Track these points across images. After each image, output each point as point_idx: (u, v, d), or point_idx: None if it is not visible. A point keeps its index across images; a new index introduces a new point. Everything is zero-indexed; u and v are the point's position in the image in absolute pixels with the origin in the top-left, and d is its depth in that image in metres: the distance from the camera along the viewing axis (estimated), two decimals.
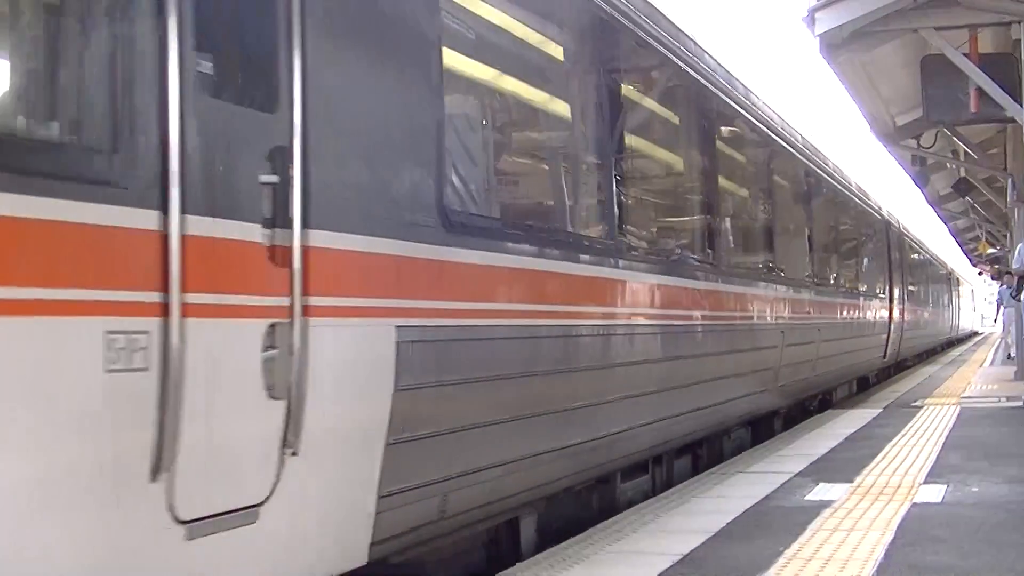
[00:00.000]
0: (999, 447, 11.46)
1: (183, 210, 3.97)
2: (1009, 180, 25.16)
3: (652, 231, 9.48)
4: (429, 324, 5.49)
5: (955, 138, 25.17)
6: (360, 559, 5.15)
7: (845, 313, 18.08)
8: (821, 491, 8.86)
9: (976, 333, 71.65)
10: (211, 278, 4.13)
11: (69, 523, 3.62)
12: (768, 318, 12.50)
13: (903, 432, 12.81)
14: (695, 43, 10.43)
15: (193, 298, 4.01)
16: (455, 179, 5.97)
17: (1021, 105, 15.28)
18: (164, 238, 3.92)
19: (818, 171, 17.29)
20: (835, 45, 15.33)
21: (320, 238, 4.66)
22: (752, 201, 13.23)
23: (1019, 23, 15.45)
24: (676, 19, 9.49)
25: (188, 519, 4.08)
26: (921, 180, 28.10)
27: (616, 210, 8.04)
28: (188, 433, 4.02)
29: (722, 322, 10.66)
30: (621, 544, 7.10)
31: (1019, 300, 19.53)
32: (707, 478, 9.77)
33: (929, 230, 44.41)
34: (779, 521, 7.64)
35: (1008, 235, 31.18)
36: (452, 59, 5.93)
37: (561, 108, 7.64)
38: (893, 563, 6.32)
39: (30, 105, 3.67)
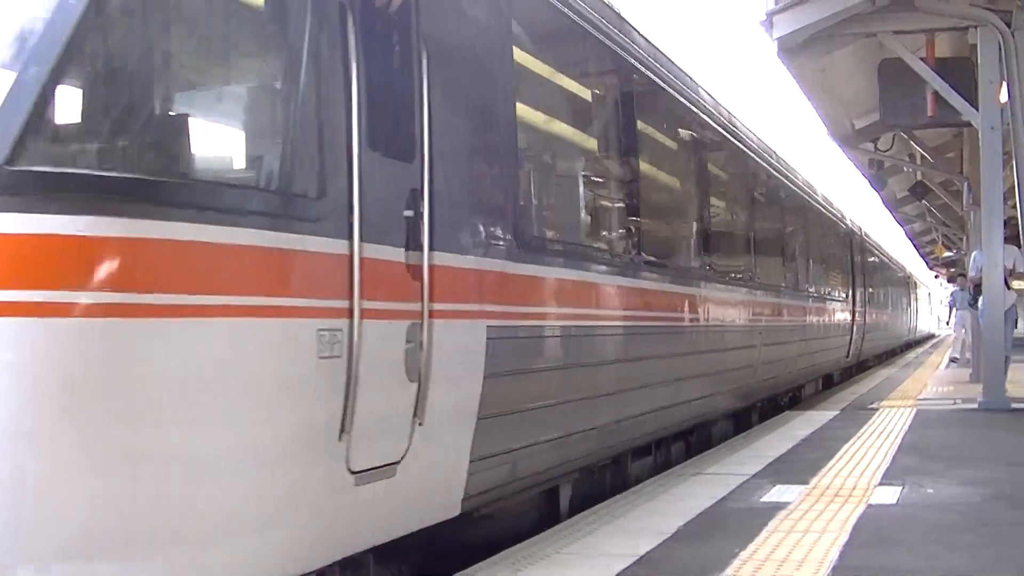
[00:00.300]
0: (954, 449, 11.56)
1: (361, 239, 5.28)
2: (965, 184, 25.37)
3: (663, 248, 11.10)
4: (507, 324, 6.91)
5: (912, 142, 25.38)
6: (455, 511, 6.50)
7: (814, 317, 19.74)
8: (777, 492, 8.90)
9: (933, 335, 72.15)
10: (376, 289, 5.43)
11: (291, 467, 4.94)
12: (749, 321, 14.19)
13: (859, 434, 12.90)
14: (713, 98, 13.11)
15: (366, 304, 5.31)
16: (524, 211, 7.54)
17: (977, 109, 15.43)
18: (349, 260, 5.22)
19: (793, 188, 19.22)
20: (793, 49, 15.44)
21: (440, 258, 6.02)
22: (741, 218, 15.06)
23: (976, 28, 15.60)
24: (685, 67, 11.43)
25: (355, 471, 5.35)
26: (878, 183, 28.33)
27: (637, 233, 10.02)
28: (361, 406, 5.27)
29: (714, 324, 12.27)
30: (581, 544, 7.13)
31: (976, 307, 19.65)
32: (666, 479, 9.80)
33: (887, 234, 44.86)
34: (735, 522, 7.68)
35: (964, 238, 31.44)
36: (523, 124, 7.60)
37: (597, 155, 9.63)
38: (847, 564, 6.37)
39: (270, 167, 5.00)
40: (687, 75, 12.09)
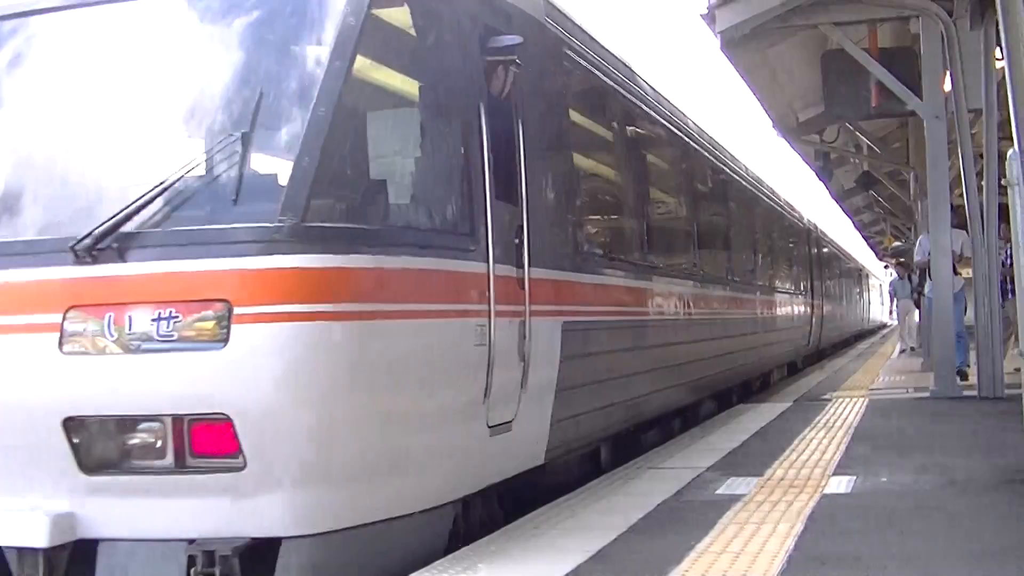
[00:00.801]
0: (906, 437, 11.67)
1: (493, 262, 7.37)
2: (911, 174, 25.55)
3: (678, 255, 14.04)
4: (574, 319, 9.00)
5: (858, 133, 25.59)
6: (540, 460, 8.51)
7: (779, 309, 22.18)
8: (732, 485, 8.96)
9: (885, 325, 72.72)
10: (502, 297, 7.47)
11: (460, 421, 7.10)
12: (731, 312, 16.82)
13: (812, 425, 12.98)
14: (697, 124, 15.74)
15: (498, 308, 7.38)
16: (582, 237, 9.66)
17: (921, 99, 15.55)
18: (488, 277, 7.31)
19: (763, 197, 21.96)
20: (736, 42, 15.51)
21: (534, 272, 8.04)
22: (728, 230, 17.83)
23: (918, 17, 15.73)
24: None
25: (490, 425, 7.41)
26: (825, 174, 28.45)
27: (659, 243, 12.84)
28: (495, 379, 7.32)
29: (705, 316, 14.73)
30: (539, 540, 7.16)
31: (923, 294, 19.79)
32: (623, 473, 9.85)
33: (839, 228, 45.33)
34: (690, 516, 7.73)
35: (912, 228, 31.66)
36: (579, 172, 9.99)
37: (624, 191, 11.93)
38: (803, 554, 6.42)
39: (447, 216, 7.11)
40: (681, 111, 14.78)
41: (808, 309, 27.01)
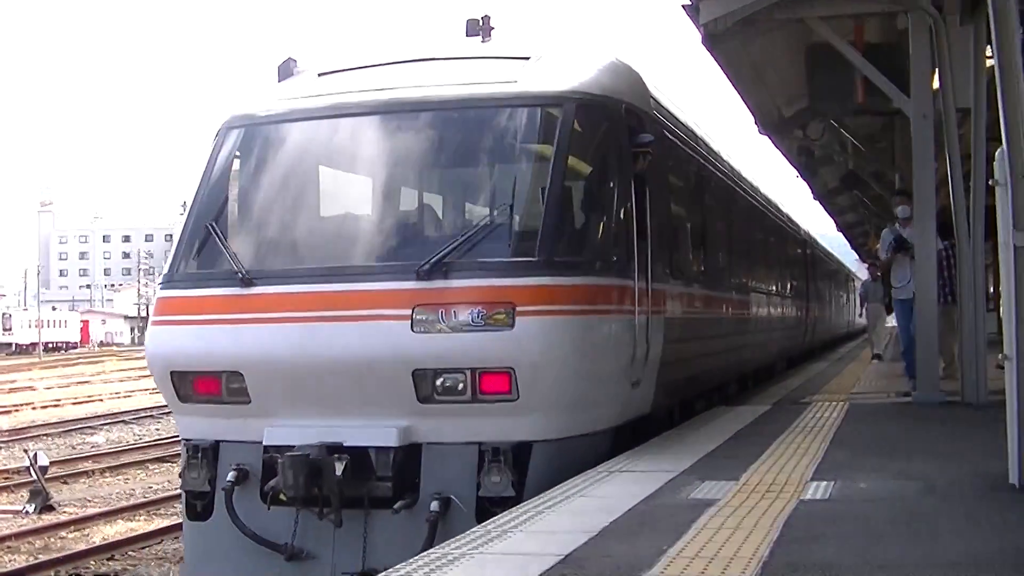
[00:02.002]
0: (887, 442, 11.72)
1: (636, 279, 11.22)
2: (897, 174, 25.57)
3: (732, 271, 18.93)
4: (671, 316, 12.65)
5: (843, 131, 25.62)
6: (647, 410, 12.24)
7: (785, 311, 26.86)
8: (706, 489, 8.96)
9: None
10: (641, 301, 11.28)
11: (621, 379, 11.09)
12: (761, 312, 21.89)
13: (791, 429, 12.98)
14: (753, 182, 22.50)
15: (639, 309, 11.22)
16: (676, 258, 13.49)
17: (908, 96, 15.55)
18: (634, 288, 11.16)
19: (777, 220, 26.66)
20: (719, 36, 15.50)
21: (652, 285, 11.72)
22: (763, 251, 23.73)
23: (906, 13, 15.72)
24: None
25: (631, 382, 11.49)
26: (808, 172, 28.58)
27: (729, 265, 18.40)
28: (637, 352, 11.14)
29: (746, 315, 19.72)
30: (505, 544, 7.15)
31: (887, 301, 19.81)
32: (594, 475, 9.84)
33: (824, 232, 45.76)
34: (663, 520, 7.71)
35: None
36: (673, 215, 13.80)
37: (701, 225, 16.28)
38: (778, 561, 6.41)
39: (615, 250, 11.06)
40: (732, 162, 19.78)
41: (804, 312, 31.15)
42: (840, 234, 54.40)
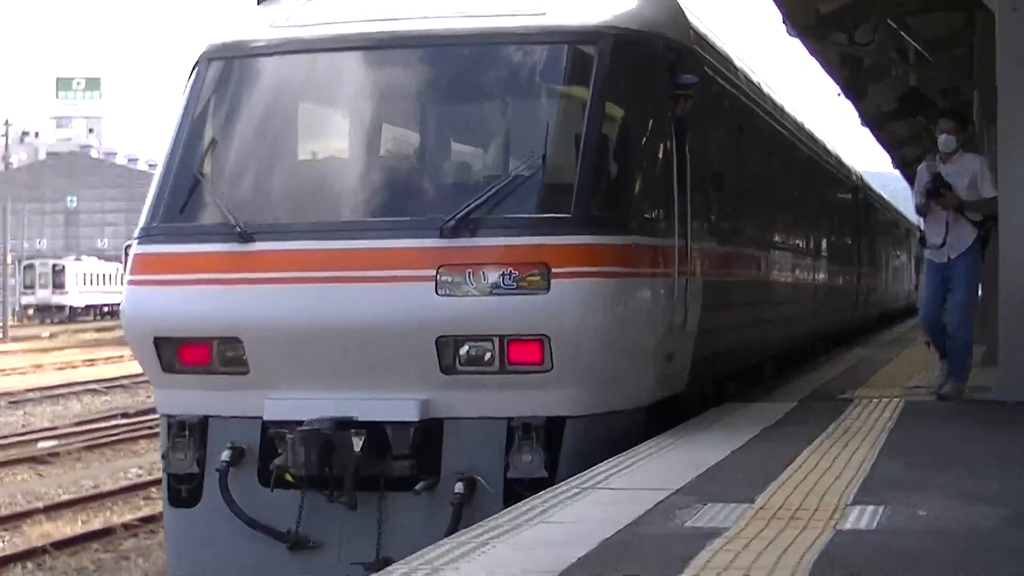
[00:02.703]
0: (955, 455, 11.72)
1: (678, 238, 13.25)
2: (976, 92, 25.52)
3: (781, 232, 22.03)
4: (709, 278, 14.48)
5: (903, 33, 25.56)
6: (682, 387, 14.04)
7: (832, 278, 29.28)
8: (710, 514, 8.92)
9: None
10: (682, 263, 13.29)
11: (658, 349, 13.01)
12: (811, 280, 25.33)
13: (826, 433, 13.00)
14: (807, 128, 25.79)
15: (679, 269, 13.18)
16: (718, 219, 15.97)
17: None
18: (675, 248, 13.15)
19: (823, 161, 28.88)
20: None
21: (693, 246, 13.66)
22: (817, 215, 27.22)
23: None
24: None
25: (667, 353, 13.13)
26: (854, 91, 28.56)
27: (770, 221, 21.02)
28: (675, 319, 13.16)
29: (797, 281, 23.01)
30: None
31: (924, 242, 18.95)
32: (560, 494, 9.85)
33: (874, 167, 46.01)
34: (650, 555, 7.65)
35: None
36: (715, 175, 15.87)
37: (753, 174, 19.44)
38: None
39: (658, 208, 13.20)
40: (782, 105, 22.43)
41: (855, 278, 33.78)
42: (898, 172, 54.61)
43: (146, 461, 27.73)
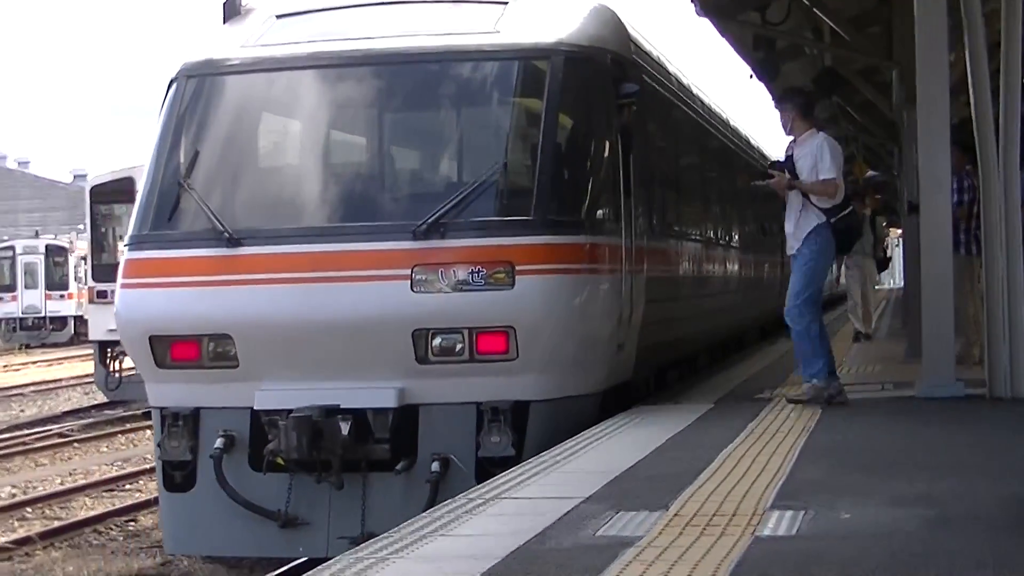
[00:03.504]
0: (880, 454, 11.84)
1: (623, 237, 15.38)
2: (895, 72, 25.67)
3: (717, 227, 24.86)
4: (651, 274, 16.48)
5: (817, 11, 25.67)
6: (628, 376, 16.09)
7: (766, 272, 33.06)
8: (622, 523, 8.96)
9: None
10: (627, 259, 15.40)
11: (610, 341, 15.05)
12: (744, 272, 28.20)
13: (743, 435, 13.04)
14: (741, 131, 30.98)
15: (626, 268, 15.30)
16: (659, 215, 17.92)
17: None
18: (620, 247, 15.26)
19: (749, 158, 32.17)
20: None
21: (633, 242, 15.66)
22: (725, 191, 27.92)
23: None
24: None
25: (618, 344, 15.22)
26: (767, 71, 28.62)
27: (699, 224, 23.06)
28: (624, 313, 15.23)
29: (732, 274, 26.33)
30: None
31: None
32: (463, 505, 9.90)
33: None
34: (557, 569, 7.68)
35: (896, 150, 31.99)
36: (656, 172, 18.15)
37: (684, 182, 21.58)
38: None
39: (606, 209, 15.23)
40: (717, 110, 26.35)
41: (779, 271, 34.05)
42: None
43: (20, 479, 27.33)
